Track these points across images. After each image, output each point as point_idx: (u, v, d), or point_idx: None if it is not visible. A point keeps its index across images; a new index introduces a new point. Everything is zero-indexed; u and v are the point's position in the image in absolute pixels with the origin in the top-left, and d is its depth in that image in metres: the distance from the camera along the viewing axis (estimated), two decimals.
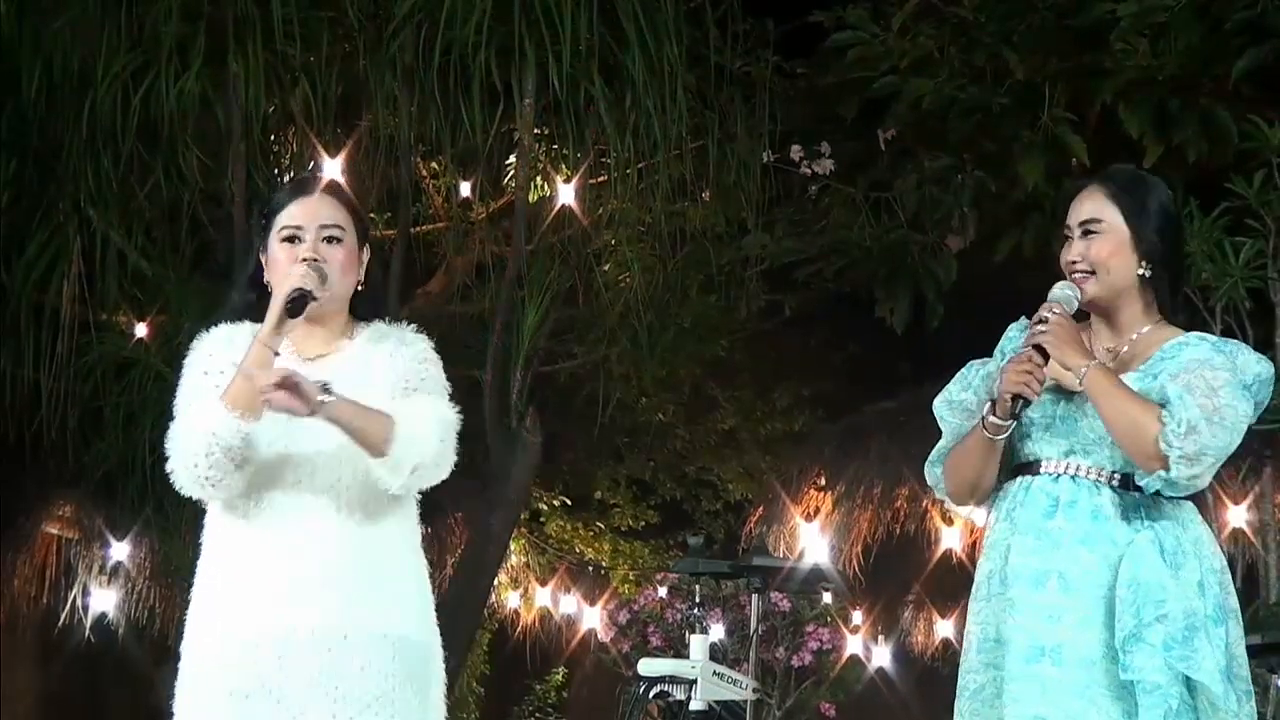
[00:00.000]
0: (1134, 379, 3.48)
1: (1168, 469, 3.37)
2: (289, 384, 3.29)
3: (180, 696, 3.47)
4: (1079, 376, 3.45)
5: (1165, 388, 3.40)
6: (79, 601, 10.10)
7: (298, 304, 3.37)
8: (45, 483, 9.47)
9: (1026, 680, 3.46)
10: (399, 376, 3.49)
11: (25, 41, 7.43)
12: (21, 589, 10.31)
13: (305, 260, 3.44)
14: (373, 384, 3.46)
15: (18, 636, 10.66)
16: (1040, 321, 3.48)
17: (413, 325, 3.61)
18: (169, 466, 3.42)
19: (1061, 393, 3.55)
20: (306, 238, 3.48)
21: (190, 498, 3.47)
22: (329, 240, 3.49)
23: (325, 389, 3.32)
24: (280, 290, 3.39)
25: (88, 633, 10.04)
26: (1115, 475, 3.49)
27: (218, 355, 3.49)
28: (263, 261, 3.54)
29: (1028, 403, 3.49)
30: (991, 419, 3.53)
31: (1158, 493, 3.45)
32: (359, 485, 3.44)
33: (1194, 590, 3.43)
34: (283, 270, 3.46)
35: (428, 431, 3.42)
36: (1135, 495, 3.47)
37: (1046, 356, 3.48)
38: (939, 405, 3.71)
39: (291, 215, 3.51)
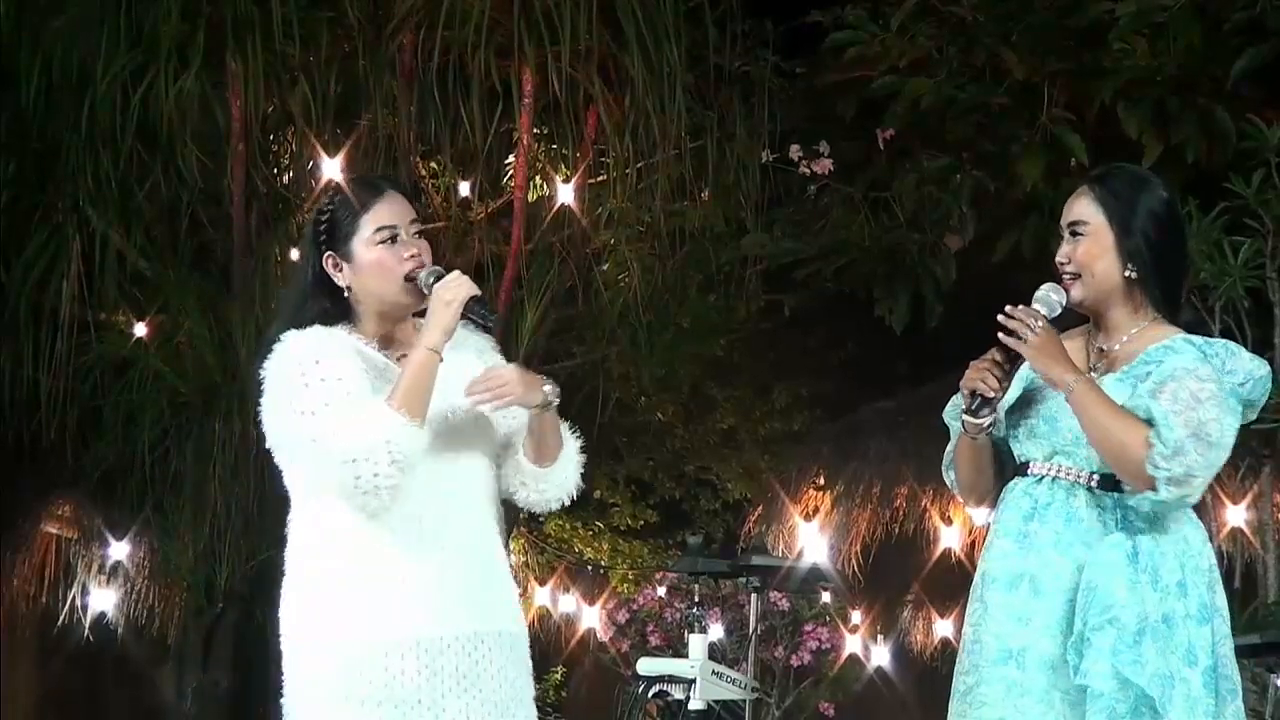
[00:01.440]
0: (1114, 381, 3.47)
1: (1156, 491, 3.36)
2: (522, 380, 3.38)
3: (311, 704, 3.40)
4: (1065, 393, 3.43)
5: (1150, 406, 3.37)
6: (78, 601, 10.10)
7: (477, 307, 3.38)
8: (44, 482, 9.47)
9: (993, 683, 3.48)
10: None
11: (24, 41, 7.43)
12: (21, 589, 10.31)
13: (413, 256, 3.43)
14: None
15: (17, 636, 10.65)
16: (1010, 319, 3.47)
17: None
18: (340, 475, 3.30)
19: (1045, 394, 3.55)
20: (403, 235, 3.46)
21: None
22: (418, 235, 3.49)
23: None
24: (455, 297, 3.36)
25: (87, 632, 10.04)
26: (1094, 476, 3.48)
27: (325, 361, 3.37)
28: (329, 267, 3.47)
29: (987, 400, 3.49)
30: (965, 417, 3.54)
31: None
32: (487, 487, 3.50)
33: (1171, 592, 3.42)
34: (391, 270, 3.43)
35: (577, 465, 3.59)
36: (1114, 495, 3.46)
37: (1012, 358, 3.48)
38: (946, 411, 3.71)
39: (382, 216, 3.46)
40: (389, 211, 3.47)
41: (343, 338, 3.44)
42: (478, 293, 3.38)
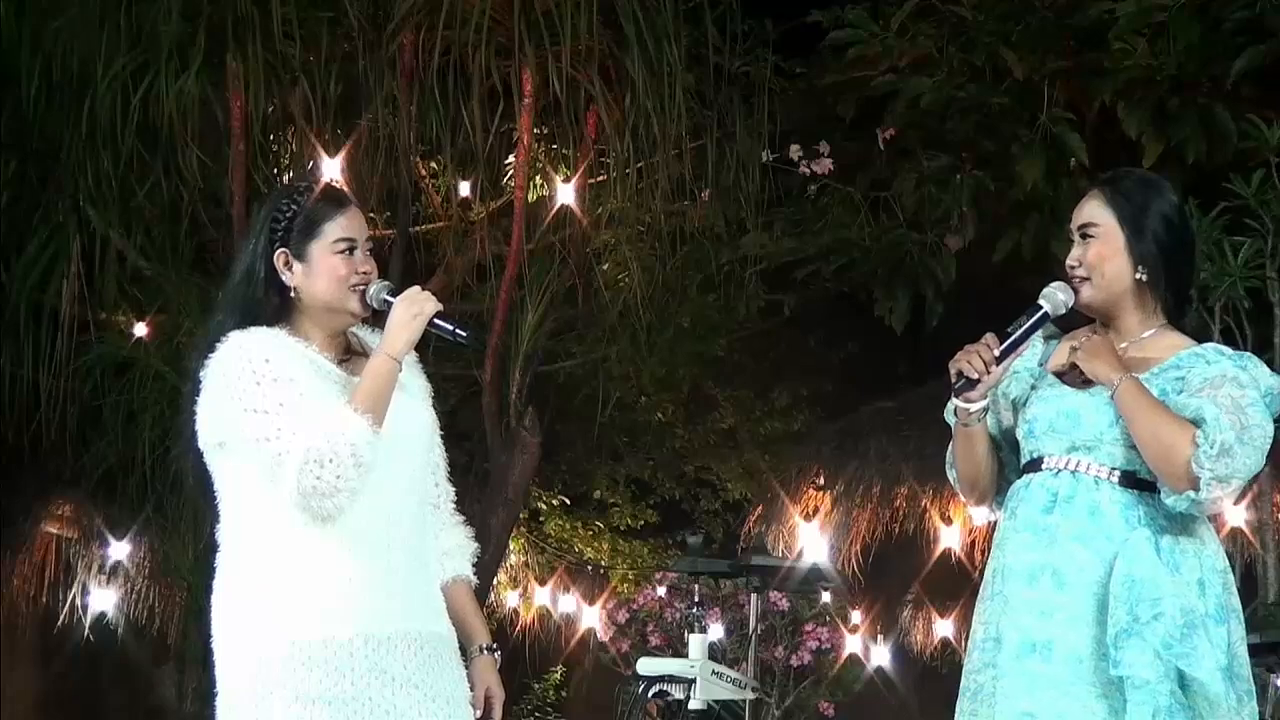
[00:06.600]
0: (1143, 381, 3.47)
1: (1198, 490, 3.35)
2: None
3: (251, 704, 3.36)
4: (1111, 390, 3.44)
5: (1201, 407, 3.37)
6: (78, 601, 10.11)
7: (447, 323, 3.45)
8: (45, 483, 9.48)
9: (1016, 676, 3.46)
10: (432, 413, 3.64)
11: (25, 41, 7.43)
12: (21, 589, 10.32)
13: (364, 273, 3.49)
14: (413, 393, 3.58)
15: (17, 636, 10.66)
16: (1036, 310, 3.50)
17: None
18: (300, 477, 3.29)
19: (1063, 390, 3.56)
20: (359, 251, 3.51)
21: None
22: (368, 253, 3.54)
23: None
24: (422, 311, 3.41)
25: (87, 632, 10.05)
26: (1116, 472, 3.48)
27: (275, 361, 3.39)
28: (279, 264, 3.48)
29: (972, 382, 3.50)
30: (953, 399, 3.56)
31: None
32: (419, 488, 3.55)
33: (1193, 589, 3.43)
34: (345, 279, 3.47)
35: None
36: (1135, 493, 3.47)
37: (1011, 348, 3.49)
38: (947, 410, 3.71)
39: (344, 227, 3.50)
40: (352, 225, 3.52)
41: (290, 341, 3.45)
42: (441, 308, 3.43)
